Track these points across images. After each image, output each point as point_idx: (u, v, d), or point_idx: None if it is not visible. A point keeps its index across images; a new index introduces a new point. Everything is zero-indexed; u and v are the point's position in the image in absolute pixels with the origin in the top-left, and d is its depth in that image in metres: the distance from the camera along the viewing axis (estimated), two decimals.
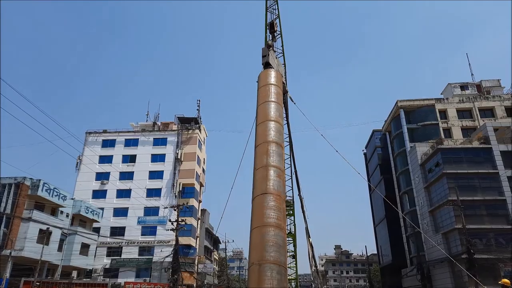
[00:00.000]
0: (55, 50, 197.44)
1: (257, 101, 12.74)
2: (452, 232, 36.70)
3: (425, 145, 43.59)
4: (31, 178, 31.49)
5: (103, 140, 52.08)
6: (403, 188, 50.13)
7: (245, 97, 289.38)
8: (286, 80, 15.54)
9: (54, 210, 34.00)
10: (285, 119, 15.23)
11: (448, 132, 46.85)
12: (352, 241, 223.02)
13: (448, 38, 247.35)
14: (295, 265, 20.29)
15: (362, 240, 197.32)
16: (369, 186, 60.54)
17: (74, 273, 37.32)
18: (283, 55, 16.30)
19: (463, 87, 51.81)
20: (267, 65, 13.91)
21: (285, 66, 16.04)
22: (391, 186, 54.66)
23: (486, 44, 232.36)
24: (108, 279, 38.44)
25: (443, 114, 48.31)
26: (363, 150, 72.46)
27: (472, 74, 54.11)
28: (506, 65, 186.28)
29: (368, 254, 67.20)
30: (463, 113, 48.31)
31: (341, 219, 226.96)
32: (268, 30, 16.25)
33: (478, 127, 44.08)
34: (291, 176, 16.95)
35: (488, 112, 47.52)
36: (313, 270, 16.09)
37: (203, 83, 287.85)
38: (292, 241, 19.19)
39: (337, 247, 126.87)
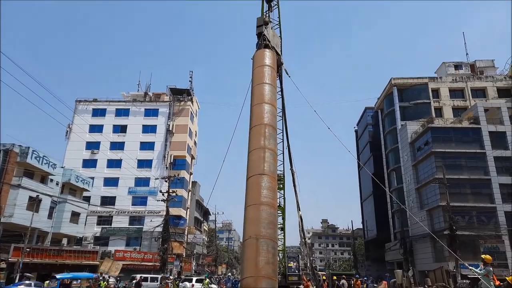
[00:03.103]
0: (45, 17, 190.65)
1: (252, 82, 12.84)
2: (436, 209, 37.76)
3: (416, 124, 44.00)
4: (20, 145, 31.07)
5: (94, 109, 51.33)
6: (391, 165, 50.94)
7: (238, 71, 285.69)
8: (281, 52, 15.29)
9: (43, 178, 33.83)
10: (279, 93, 15.15)
11: (439, 111, 47.20)
12: (339, 216, 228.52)
13: (447, 17, 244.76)
14: (283, 237, 20.70)
15: (349, 215, 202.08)
16: (358, 163, 61.34)
17: (65, 241, 37.67)
18: (280, 27, 15.89)
19: (457, 66, 51.77)
20: (262, 36, 13.67)
21: (281, 37, 15.68)
22: (380, 163, 55.50)
23: (483, 23, 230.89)
24: (98, 246, 38.96)
25: (436, 93, 48.50)
26: (354, 127, 72.96)
27: (467, 54, 53.91)
28: (501, 45, 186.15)
29: (354, 229, 68.93)
30: (455, 93, 48.54)
31: (329, 194, 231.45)
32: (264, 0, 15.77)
33: (469, 107, 44.48)
34: (283, 150, 17.02)
35: (480, 93, 47.81)
36: (302, 241, 16.47)
37: (196, 54, 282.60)
38: (281, 214, 19.45)
39: (324, 221, 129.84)
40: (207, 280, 28.49)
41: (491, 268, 9.69)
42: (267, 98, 11.99)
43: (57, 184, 35.25)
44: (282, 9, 15.86)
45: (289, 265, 21.90)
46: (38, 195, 30.01)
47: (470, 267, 10.72)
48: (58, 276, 21.33)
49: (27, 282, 22.77)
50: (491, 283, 9.42)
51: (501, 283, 10.73)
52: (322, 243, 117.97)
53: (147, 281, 28.98)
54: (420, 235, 39.41)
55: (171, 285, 25.98)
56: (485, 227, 35.25)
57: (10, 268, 26.34)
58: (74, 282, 22.84)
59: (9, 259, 27.11)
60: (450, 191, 32.37)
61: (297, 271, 21.67)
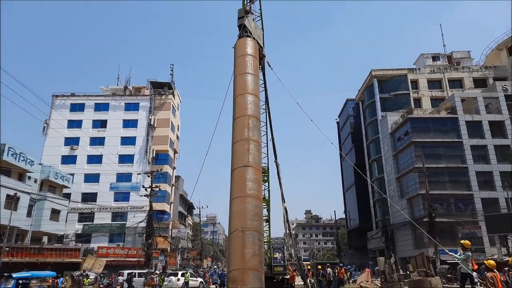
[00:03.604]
0: (18, 8, 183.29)
1: (234, 72, 12.66)
2: (416, 198, 38.78)
3: (396, 114, 44.86)
4: None
5: (72, 104, 50.03)
6: (372, 155, 51.90)
7: (219, 63, 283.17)
8: (263, 44, 15.21)
9: (21, 175, 32.94)
10: (262, 85, 15.11)
11: (418, 102, 48.26)
12: (322, 207, 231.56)
13: (426, 8, 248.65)
14: (268, 229, 20.88)
15: (331, 206, 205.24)
16: (340, 154, 62.21)
17: (45, 239, 36.85)
18: (261, 19, 15.78)
19: (435, 57, 52.94)
20: (243, 27, 13.53)
21: (263, 29, 15.60)
22: (361, 153, 56.46)
23: (460, 15, 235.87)
24: (80, 244, 38.32)
25: (415, 84, 49.53)
26: (336, 119, 73.82)
27: (444, 45, 55.20)
28: (476, 36, 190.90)
29: (337, 219, 70.15)
30: (433, 84, 49.70)
31: (312, 185, 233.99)
32: None
33: (447, 97, 45.61)
34: (267, 143, 17.07)
35: (457, 83, 49.08)
36: (287, 232, 16.67)
37: (177, 47, 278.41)
38: (266, 206, 19.60)
39: (308, 212, 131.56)
40: (188, 273, 28.51)
41: (469, 253, 10.05)
42: (250, 89, 11.81)
43: (35, 181, 34.37)
44: (263, 1, 15.74)
45: (274, 256, 22.18)
46: (16, 193, 29.19)
47: (450, 253, 11.10)
48: (14, 275, 19.98)
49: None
50: (470, 267, 9.77)
51: (479, 267, 11.15)
52: (306, 234, 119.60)
53: (135, 277, 28.78)
54: (401, 223, 40.47)
55: (156, 280, 25.82)
56: (462, 214, 36.48)
57: None
58: (33, 281, 21.56)
59: None
60: (429, 179, 33.27)
61: (282, 262, 21.98)
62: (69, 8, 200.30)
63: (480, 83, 47.79)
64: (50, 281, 22.65)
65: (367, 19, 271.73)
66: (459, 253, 10.55)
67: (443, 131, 40.28)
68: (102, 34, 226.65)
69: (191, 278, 29.53)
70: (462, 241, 10.53)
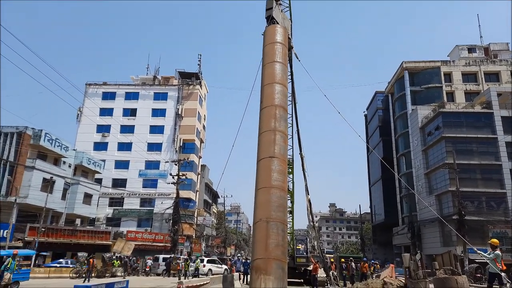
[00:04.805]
0: (53, 3, 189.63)
1: (263, 59, 12.55)
2: (445, 194, 37.68)
3: (426, 108, 43.47)
4: (32, 128, 31.67)
5: (103, 93, 51.71)
6: (401, 150, 50.67)
7: (247, 54, 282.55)
8: (291, 36, 15.13)
9: (56, 160, 34.54)
10: (289, 76, 15.09)
11: (451, 96, 46.50)
12: (347, 200, 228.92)
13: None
14: (291, 220, 21.02)
15: (357, 200, 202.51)
16: (367, 147, 61.10)
17: (78, 221, 38.67)
18: (290, 9, 15.66)
19: (471, 49, 50.67)
20: (271, 19, 13.46)
21: (291, 20, 15.49)
22: (389, 148, 55.22)
23: (498, 6, 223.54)
24: (110, 227, 39.92)
25: (448, 77, 47.67)
26: (364, 112, 72.35)
27: (481, 37, 52.72)
28: None
29: (362, 213, 69.27)
30: (468, 77, 47.64)
31: (338, 178, 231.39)
32: None
33: (482, 91, 43.70)
34: (292, 135, 17.09)
35: (493, 77, 46.86)
36: (310, 224, 16.73)
37: (205, 37, 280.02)
38: (290, 198, 19.71)
39: (332, 205, 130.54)
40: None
41: (499, 252, 9.78)
42: (278, 78, 11.70)
43: (69, 166, 35.98)
44: None
45: (297, 247, 22.34)
46: (52, 177, 30.71)
47: (479, 251, 10.84)
48: None
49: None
50: (498, 267, 9.53)
51: (509, 268, 10.84)
52: (329, 227, 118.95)
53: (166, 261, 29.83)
54: (428, 220, 39.51)
55: (182, 265, 26.60)
56: (494, 213, 35.15)
57: (27, 247, 27.26)
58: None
59: (25, 238, 28.07)
60: (460, 176, 32.22)
61: (305, 253, 22.12)
62: (102, 2, 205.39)
63: None
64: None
65: (400, 10, 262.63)
66: (488, 252, 10.30)
67: (477, 127, 38.75)
68: (132, 24, 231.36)
69: (217, 265, 30.28)
70: (491, 240, 10.27)
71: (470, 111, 39.80)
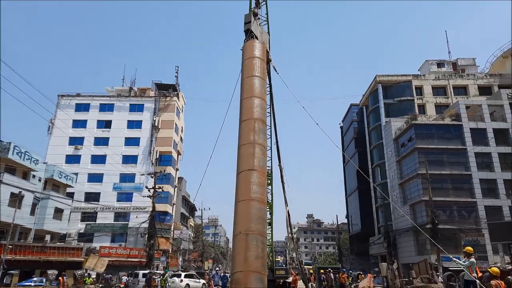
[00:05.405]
0: (25, 10, 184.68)
1: (242, 74, 12.76)
2: (419, 204, 38.67)
3: (400, 120, 44.81)
4: (0, 141, 30.33)
5: (77, 104, 50.38)
6: (376, 161, 51.80)
7: (225, 66, 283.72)
8: (269, 49, 15.32)
9: (26, 173, 33.14)
10: (268, 89, 15.20)
11: (422, 108, 48.19)
12: (324, 211, 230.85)
13: (432, 14, 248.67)
14: (270, 232, 20.92)
15: (333, 210, 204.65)
16: (343, 156, 62.04)
17: (48, 237, 37.01)
18: (268, 23, 15.91)
19: (440, 64, 52.91)
20: (249, 33, 13.64)
21: (269, 34, 15.72)
22: (365, 159, 56.33)
23: (465, 22, 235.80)
24: (82, 243, 38.46)
25: (419, 90, 49.48)
26: (339, 124, 73.71)
27: (449, 52, 55.39)
28: (481, 44, 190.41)
29: (339, 223, 69.92)
30: (438, 90, 49.64)
31: (314, 189, 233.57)
32: None
33: (451, 104, 45.51)
34: (271, 146, 17.14)
35: (461, 90, 48.99)
36: (289, 236, 16.69)
37: (182, 50, 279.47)
38: (269, 210, 19.62)
39: (309, 216, 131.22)
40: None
41: (474, 260, 10.05)
42: (257, 92, 11.98)
43: (39, 180, 34.58)
44: (270, 5, 15.85)
45: (276, 259, 22.16)
46: (21, 191, 29.39)
47: (454, 259, 11.09)
48: None
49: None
50: (474, 274, 9.77)
51: (483, 275, 11.13)
52: (307, 238, 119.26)
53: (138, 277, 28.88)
54: (403, 229, 40.32)
55: (158, 281, 25.85)
56: (465, 221, 36.30)
57: None
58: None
59: None
60: (433, 186, 33.17)
61: (284, 265, 21.97)
62: (75, 8, 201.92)
63: (485, 90, 47.71)
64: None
65: (370, 24, 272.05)
66: (463, 260, 10.56)
67: (447, 138, 40.20)
68: (108, 35, 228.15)
69: (194, 280, 29.60)
70: (466, 249, 10.54)
71: (440, 123, 41.30)
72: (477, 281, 9.88)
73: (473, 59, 53.73)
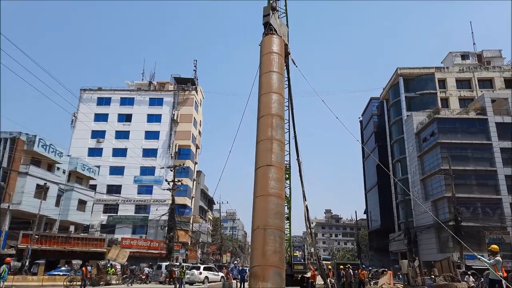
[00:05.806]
0: (51, 7, 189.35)
1: (260, 69, 12.80)
2: (441, 200, 37.75)
3: (421, 114, 43.72)
4: (26, 134, 31.34)
5: (98, 98, 51.44)
6: (396, 156, 50.81)
7: (243, 60, 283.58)
8: (288, 41, 15.14)
9: (50, 166, 34.16)
10: (286, 82, 15.06)
11: (445, 102, 46.85)
12: (342, 207, 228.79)
13: (457, 6, 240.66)
14: (288, 227, 20.89)
15: (352, 206, 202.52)
16: (363, 151, 61.19)
17: (72, 228, 38.16)
18: (286, 15, 15.68)
19: (464, 56, 51.20)
20: (268, 26, 13.53)
21: (287, 26, 15.52)
22: (385, 154, 55.35)
23: (491, 13, 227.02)
24: (105, 234, 39.44)
25: (442, 83, 48.06)
26: (359, 118, 72.60)
27: (474, 44, 53.23)
28: (508, 35, 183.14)
29: (358, 219, 69.15)
30: (462, 83, 48.08)
31: (333, 184, 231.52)
32: None
33: (476, 97, 44.07)
34: (289, 140, 17.01)
35: (487, 83, 47.32)
36: (307, 231, 16.62)
37: (201, 43, 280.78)
38: (287, 204, 19.59)
39: (328, 211, 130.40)
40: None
41: (499, 259, 9.73)
42: (274, 87, 12.00)
43: (63, 172, 35.60)
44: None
45: (294, 254, 22.16)
46: (46, 183, 30.34)
47: (480, 257, 10.77)
48: None
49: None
50: (500, 273, 9.47)
51: (508, 274, 10.78)
52: (325, 233, 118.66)
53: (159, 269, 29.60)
54: (424, 226, 39.52)
55: (177, 273, 26.22)
56: (490, 219, 35.25)
57: (19, 255, 26.79)
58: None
59: (18, 246, 27.57)
60: (456, 182, 32.32)
61: (302, 260, 21.95)
62: (96, 4, 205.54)
63: (511, 83, 45.92)
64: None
65: (394, 17, 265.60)
66: (487, 258, 10.24)
67: (472, 133, 38.99)
68: (129, 30, 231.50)
69: (213, 273, 30.04)
70: (491, 246, 10.22)
71: (465, 117, 40.08)
72: (503, 280, 9.57)
73: (499, 50, 51.71)
